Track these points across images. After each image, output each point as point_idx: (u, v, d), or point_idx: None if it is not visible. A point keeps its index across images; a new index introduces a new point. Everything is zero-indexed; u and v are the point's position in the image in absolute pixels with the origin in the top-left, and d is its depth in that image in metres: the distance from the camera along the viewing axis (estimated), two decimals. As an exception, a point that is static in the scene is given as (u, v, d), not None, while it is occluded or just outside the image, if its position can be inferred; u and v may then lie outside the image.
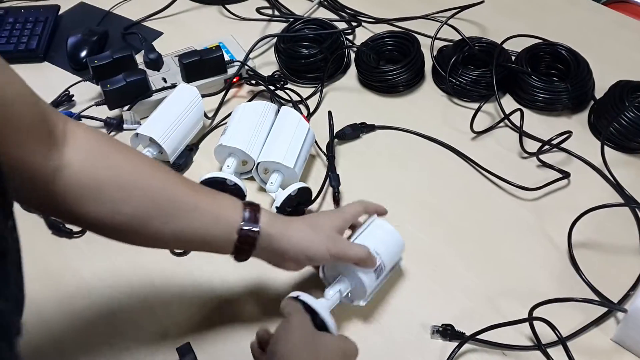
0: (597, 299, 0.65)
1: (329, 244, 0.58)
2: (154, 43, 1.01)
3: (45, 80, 0.94)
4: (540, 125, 0.85)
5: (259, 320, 0.66)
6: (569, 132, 0.79)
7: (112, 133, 0.86)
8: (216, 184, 0.73)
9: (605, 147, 0.81)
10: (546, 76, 0.91)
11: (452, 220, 0.75)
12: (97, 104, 0.85)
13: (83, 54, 0.96)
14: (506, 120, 0.85)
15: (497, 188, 0.78)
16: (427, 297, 0.67)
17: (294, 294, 0.57)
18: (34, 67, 0.98)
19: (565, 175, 0.77)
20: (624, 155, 0.81)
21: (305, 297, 0.56)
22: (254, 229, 0.55)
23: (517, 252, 0.71)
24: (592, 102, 0.88)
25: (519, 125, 0.83)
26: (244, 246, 0.56)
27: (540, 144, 0.80)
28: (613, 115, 0.80)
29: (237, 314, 0.66)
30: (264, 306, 0.67)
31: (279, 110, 0.81)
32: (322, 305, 0.56)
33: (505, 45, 0.93)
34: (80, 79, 0.90)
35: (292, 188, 0.71)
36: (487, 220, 0.75)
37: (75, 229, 0.74)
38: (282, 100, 0.88)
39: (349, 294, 0.62)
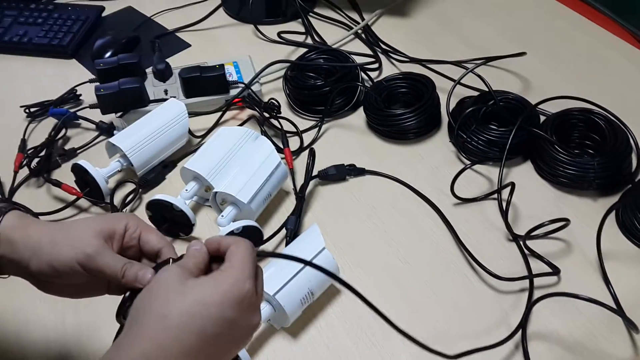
0: None
1: (82, 254, 0.45)
2: (180, 54, 1.01)
3: (66, 76, 0.96)
4: (557, 203, 0.73)
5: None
6: (566, 220, 0.66)
7: (102, 137, 0.85)
8: (163, 207, 0.69)
9: (630, 245, 0.67)
10: (579, 147, 0.78)
11: (410, 288, 0.65)
12: (91, 107, 0.84)
13: (107, 55, 0.97)
14: (501, 193, 0.73)
15: (471, 268, 0.67)
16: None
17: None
18: (60, 63, 1.00)
19: (555, 271, 0.64)
20: (649, 257, 0.67)
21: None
22: None
23: (465, 335, 0.60)
24: (629, 186, 0.74)
25: (506, 200, 0.71)
26: None
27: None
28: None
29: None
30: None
31: (259, 140, 0.76)
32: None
33: (546, 107, 0.81)
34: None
35: (237, 225, 0.65)
36: (448, 298, 0.64)
37: None
38: (274, 130, 0.83)
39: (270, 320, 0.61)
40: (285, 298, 0.59)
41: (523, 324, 0.60)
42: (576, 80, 0.90)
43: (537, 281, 0.64)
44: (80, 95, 0.91)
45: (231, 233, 0.65)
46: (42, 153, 0.80)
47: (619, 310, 0.60)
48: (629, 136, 0.75)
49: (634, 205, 0.68)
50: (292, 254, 0.60)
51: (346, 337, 0.61)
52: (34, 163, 0.79)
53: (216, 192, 0.70)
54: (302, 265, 0.60)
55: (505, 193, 0.73)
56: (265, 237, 0.69)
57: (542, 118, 0.80)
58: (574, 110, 0.78)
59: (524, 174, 0.77)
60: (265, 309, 0.59)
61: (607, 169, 0.72)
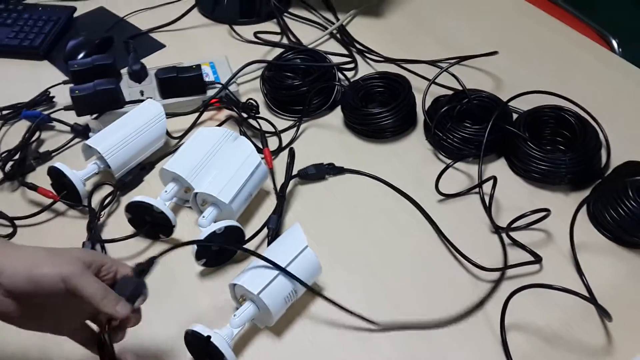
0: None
1: (66, 269, 0.47)
2: (154, 55, 1.01)
3: (38, 78, 0.94)
4: (531, 198, 0.75)
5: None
6: (547, 210, 0.68)
7: (78, 140, 0.84)
8: (142, 208, 0.68)
9: (601, 237, 0.70)
10: (551, 143, 0.80)
11: (392, 285, 0.66)
12: (65, 109, 0.83)
13: (80, 56, 0.96)
14: (483, 187, 0.75)
15: (454, 260, 0.69)
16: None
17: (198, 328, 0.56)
18: (32, 64, 0.99)
19: (537, 259, 0.67)
20: (619, 248, 0.69)
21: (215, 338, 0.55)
22: None
23: (449, 335, 0.61)
24: (599, 181, 0.76)
25: (489, 194, 0.73)
26: None
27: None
28: (610, 201, 0.69)
29: None
30: None
31: (238, 140, 0.76)
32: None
33: (518, 104, 0.83)
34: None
35: (218, 225, 0.66)
36: (431, 293, 0.65)
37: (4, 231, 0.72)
38: (253, 130, 0.83)
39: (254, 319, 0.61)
40: (269, 297, 0.59)
41: (502, 316, 0.61)
42: (546, 77, 0.92)
43: (516, 272, 0.66)
44: (54, 97, 0.90)
45: (213, 234, 0.65)
46: (16, 156, 0.79)
47: (592, 300, 0.62)
48: (599, 132, 0.78)
49: (604, 199, 0.70)
50: (274, 253, 0.62)
51: (329, 334, 0.62)
52: (7, 167, 0.78)
53: (196, 193, 0.70)
54: (285, 263, 0.60)
55: (485, 187, 0.75)
56: (247, 237, 0.69)
57: (515, 116, 0.82)
58: (545, 108, 0.80)
59: (498, 171, 0.78)
60: (249, 308, 0.59)
61: (578, 164, 0.74)
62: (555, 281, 0.62)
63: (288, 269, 0.60)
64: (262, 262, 0.61)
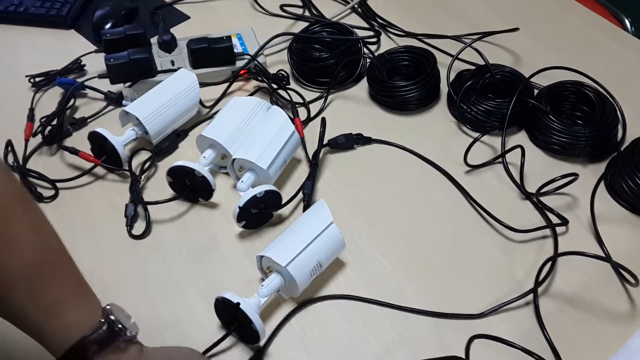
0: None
1: None
2: (179, 26, 1.02)
3: (66, 47, 0.96)
4: (551, 169, 0.78)
5: None
6: (575, 175, 0.71)
7: (111, 107, 0.86)
8: (184, 172, 0.71)
9: (617, 206, 0.73)
10: (570, 118, 0.84)
11: (423, 250, 0.70)
12: (99, 77, 0.85)
13: (107, 26, 0.98)
14: (506, 157, 0.78)
15: (484, 224, 0.72)
16: (367, 329, 0.63)
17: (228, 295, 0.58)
18: (60, 33, 1.00)
19: (564, 221, 0.70)
20: (635, 217, 0.73)
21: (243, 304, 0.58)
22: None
23: (479, 293, 0.65)
24: (615, 154, 0.80)
25: (513, 164, 0.77)
26: None
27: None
28: (628, 172, 0.73)
29: None
30: None
31: (271, 109, 0.79)
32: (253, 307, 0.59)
33: (537, 80, 0.86)
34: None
35: (258, 189, 0.68)
36: (460, 256, 0.69)
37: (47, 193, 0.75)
38: (282, 100, 0.86)
39: (280, 290, 0.64)
40: (296, 269, 0.61)
41: (538, 280, 0.65)
42: (563, 55, 0.95)
43: (543, 234, 0.70)
44: (84, 65, 0.92)
45: (254, 197, 0.68)
46: (54, 122, 0.81)
47: (620, 265, 0.64)
48: (616, 108, 0.81)
49: (623, 171, 0.74)
50: (301, 228, 0.64)
51: (352, 307, 0.66)
52: (46, 131, 0.80)
53: (234, 159, 0.73)
54: (312, 237, 0.63)
55: (508, 158, 0.79)
56: (283, 202, 0.72)
57: (535, 91, 0.85)
58: (566, 83, 0.83)
59: (519, 142, 0.81)
60: (276, 279, 0.62)
61: (597, 137, 0.77)
62: (577, 247, 0.66)
63: (313, 243, 0.63)
64: (289, 235, 0.64)
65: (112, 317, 0.48)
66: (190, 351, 0.57)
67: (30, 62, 0.93)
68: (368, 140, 0.82)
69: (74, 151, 0.76)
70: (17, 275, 0.44)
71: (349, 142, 0.81)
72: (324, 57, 0.87)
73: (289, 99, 0.85)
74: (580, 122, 0.83)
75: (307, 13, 1.05)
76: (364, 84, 0.90)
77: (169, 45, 0.90)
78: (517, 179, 0.76)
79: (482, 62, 0.87)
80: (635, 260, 0.68)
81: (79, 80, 0.88)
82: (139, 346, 0.51)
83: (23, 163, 0.78)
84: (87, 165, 0.76)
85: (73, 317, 0.46)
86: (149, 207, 0.72)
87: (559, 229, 0.71)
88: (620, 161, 0.77)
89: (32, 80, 0.88)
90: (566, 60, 0.88)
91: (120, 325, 0.48)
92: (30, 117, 0.83)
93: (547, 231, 0.71)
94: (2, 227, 0.43)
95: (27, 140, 0.80)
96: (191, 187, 0.73)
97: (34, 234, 0.46)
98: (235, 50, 0.90)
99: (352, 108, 0.88)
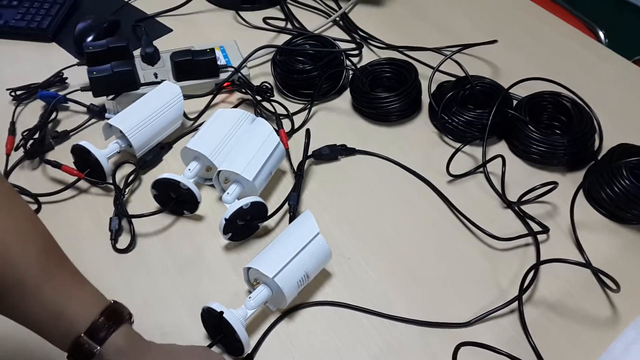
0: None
1: None
2: (162, 39, 1.03)
3: (47, 60, 0.96)
4: (530, 178, 0.80)
5: None
6: (555, 183, 0.73)
7: (94, 120, 0.86)
8: (169, 185, 0.71)
9: (596, 213, 0.75)
10: (549, 127, 0.85)
11: (408, 259, 0.70)
12: (82, 89, 0.85)
13: (89, 39, 0.97)
14: (487, 167, 0.80)
15: (468, 233, 0.73)
16: (355, 339, 0.63)
17: (214, 305, 0.58)
18: (41, 46, 1.00)
19: (545, 229, 0.72)
20: (614, 224, 0.75)
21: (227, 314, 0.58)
22: (93, 349, 0.46)
23: (464, 301, 0.66)
24: (593, 162, 0.82)
25: (494, 173, 0.79)
26: None
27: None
28: (606, 180, 0.75)
29: None
30: None
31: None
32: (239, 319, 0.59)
33: (516, 91, 0.88)
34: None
35: (244, 201, 0.69)
36: (444, 265, 0.70)
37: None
38: (266, 112, 0.86)
39: (267, 302, 0.64)
40: (284, 280, 0.61)
41: (522, 287, 0.66)
42: (540, 66, 0.97)
43: (524, 242, 0.71)
44: (67, 78, 0.91)
45: (240, 209, 0.68)
46: (36, 135, 0.80)
47: (602, 272, 0.65)
48: (592, 117, 0.83)
49: (600, 179, 0.76)
50: (287, 238, 0.65)
51: (339, 315, 0.66)
52: (28, 145, 0.79)
53: (220, 171, 0.73)
54: (299, 248, 0.63)
55: (490, 167, 0.80)
56: (269, 213, 0.72)
57: (514, 102, 0.87)
58: (544, 94, 0.85)
59: (499, 152, 0.83)
60: (263, 291, 0.62)
61: (575, 146, 0.79)
62: (558, 255, 0.68)
63: (300, 254, 0.63)
64: (275, 247, 0.64)
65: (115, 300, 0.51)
66: (203, 350, 0.57)
67: (11, 75, 0.93)
68: (352, 151, 0.83)
69: (56, 165, 0.75)
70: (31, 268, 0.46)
71: (333, 153, 0.82)
72: (307, 69, 0.88)
73: (273, 110, 0.86)
74: (558, 131, 0.85)
75: (289, 26, 1.06)
76: (347, 95, 0.91)
77: (152, 57, 0.90)
78: (499, 188, 0.78)
79: (462, 74, 0.89)
80: (615, 266, 0.69)
81: (61, 93, 0.87)
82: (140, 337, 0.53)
83: (5, 177, 0.77)
84: (70, 179, 0.75)
85: (79, 305, 0.48)
86: (133, 220, 0.72)
87: (540, 237, 0.72)
88: (597, 169, 0.79)
89: (13, 93, 0.88)
90: (543, 71, 0.90)
91: (124, 308, 0.51)
92: (12, 130, 0.82)
93: (529, 239, 0.72)
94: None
95: (8, 155, 0.79)
96: (176, 200, 0.73)
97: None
98: (218, 63, 0.90)
99: (335, 119, 0.89)
